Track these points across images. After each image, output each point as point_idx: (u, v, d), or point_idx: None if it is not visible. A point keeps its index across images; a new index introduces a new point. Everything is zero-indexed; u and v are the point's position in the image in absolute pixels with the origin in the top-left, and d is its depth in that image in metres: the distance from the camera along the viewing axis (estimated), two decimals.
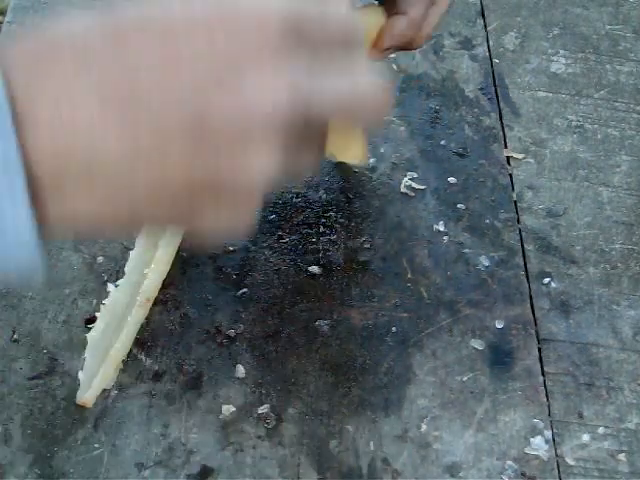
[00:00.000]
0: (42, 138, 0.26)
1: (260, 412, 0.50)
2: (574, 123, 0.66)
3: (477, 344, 0.54)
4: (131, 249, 0.54)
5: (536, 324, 0.55)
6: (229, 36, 0.28)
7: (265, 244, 0.57)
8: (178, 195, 0.29)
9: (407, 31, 0.50)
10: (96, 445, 0.47)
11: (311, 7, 0.30)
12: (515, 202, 0.61)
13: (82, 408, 0.48)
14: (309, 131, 0.31)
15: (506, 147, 0.64)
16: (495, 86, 0.67)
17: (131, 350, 0.50)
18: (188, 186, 0.29)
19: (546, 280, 0.57)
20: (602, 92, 0.68)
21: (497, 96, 0.67)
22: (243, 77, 0.28)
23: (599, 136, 0.65)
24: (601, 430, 0.51)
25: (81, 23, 0.28)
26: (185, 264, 0.55)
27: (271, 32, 0.29)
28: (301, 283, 0.55)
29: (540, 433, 0.51)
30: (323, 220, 0.59)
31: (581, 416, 0.52)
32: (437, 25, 0.52)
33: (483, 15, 0.72)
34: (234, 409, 0.50)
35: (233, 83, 0.28)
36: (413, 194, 0.61)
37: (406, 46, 0.52)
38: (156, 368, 0.51)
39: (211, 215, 0.30)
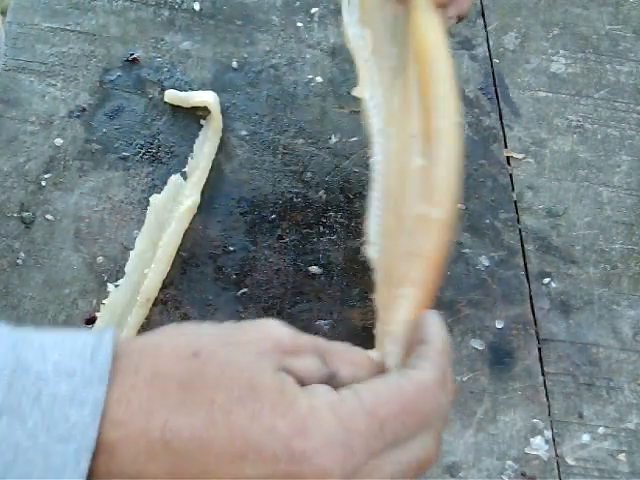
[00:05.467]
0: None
1: None
2: (574, 123, 0.66)
3: (477, 344, 0.54)
4: (131, 249, 0.54)
5: (536, 324, 0.55)
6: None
7: (265, 244, 0.57)
8: None
9: None
10: None
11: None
12: (515, 202, 0.61)
13: None
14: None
15: (506, 147, 0.64)
16: (495, 86, 0.67)
17: None
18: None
19: (546, 280, 0.57)
20: (602, 92, 0.68)
21: (497, 96, 0.67)
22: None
23: (599, 136, 0.65)
24: (601, 430, 0.51)
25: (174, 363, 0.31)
26: (185, 264, 0.55)
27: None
28: (301, 283, 0.55)
29: (540, 433, 0.51)
30: (323, 220, 0.58)
31: (581, 416, 0.52)
32: None
33: (483, 15, 0.72)
34: None
35: None
36: None
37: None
38: None
39: None
